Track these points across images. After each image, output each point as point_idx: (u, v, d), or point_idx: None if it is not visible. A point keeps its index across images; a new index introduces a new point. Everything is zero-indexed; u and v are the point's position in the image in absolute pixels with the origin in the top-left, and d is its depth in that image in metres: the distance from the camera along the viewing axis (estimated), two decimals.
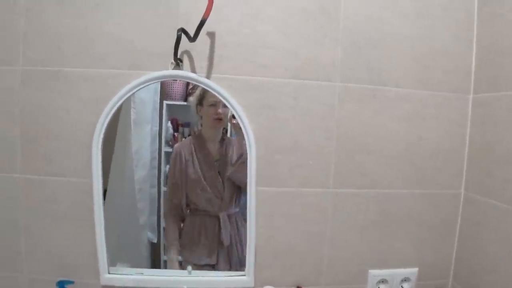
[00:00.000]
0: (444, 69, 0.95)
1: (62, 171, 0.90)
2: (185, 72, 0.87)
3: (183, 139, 1.03)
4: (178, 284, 0.88)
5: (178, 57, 0.85)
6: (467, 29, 0.96)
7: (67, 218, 0.92)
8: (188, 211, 1.00)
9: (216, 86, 0.86)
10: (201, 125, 1.01)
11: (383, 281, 0.98)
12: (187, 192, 0.99)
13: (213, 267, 0.99)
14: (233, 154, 0.98)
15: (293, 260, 0.95)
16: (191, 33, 0.81)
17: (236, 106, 0.87)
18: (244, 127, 0.88)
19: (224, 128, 1.01)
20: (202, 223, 0.99)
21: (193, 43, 0.83)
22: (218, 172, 0.98)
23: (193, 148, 0.99)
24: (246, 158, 0.92)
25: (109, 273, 0.91)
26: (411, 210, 0.98)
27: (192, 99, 0.97)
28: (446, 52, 0.95)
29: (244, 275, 0.92)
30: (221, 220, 0.97)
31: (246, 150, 0.92)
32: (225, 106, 0.93)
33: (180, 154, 0.98)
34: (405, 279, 0.99)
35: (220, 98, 0.87)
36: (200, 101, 0.96)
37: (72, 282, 0.90)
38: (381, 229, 0.97)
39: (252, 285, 0.93)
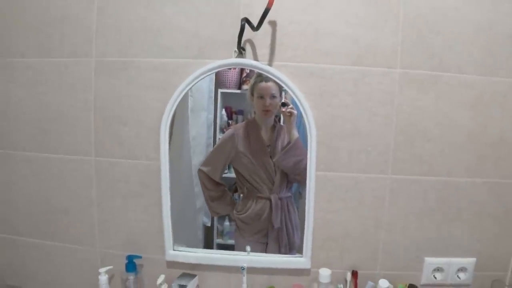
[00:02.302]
0: (510, 54, 0.92)
1: (132, 153, 0.98)
2: (248, 60, 0.90)
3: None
4: (239, 263, 0.93)
5: (241, 45, 0.89)
6: None
7: (136, 197, 0.99)
8: (242, 192, 1.05)
9: (278, 73, 0.89)
10: (255, 113, 1.04)
11: (438, 269, 0.97)
12: (242, 173, 1.03)
13: (265, 246, 1.03)
14: (283, 141, 1.01)
15: (350, 244, 0.97)
16: (254, 23, 0.84)
17: (297, 92, 0.89)
18: (305, 113, 0.90)
19: (276, 116, 1.04)
20: (255, 205, 1.03)
21: (255, 32, 0.87)
22: (270, 157, 1.02)
23: (247, 133, 1.02)
24: (291, 147, 0.96)
25: (173, 249, 0.98)
26: (472, 199, 0.96)
27: (247, 88, 1.01)
28: (511, 37, 0.92)
29: (302, 257, 0.95)
30: (273, 203, 1.01)
31: (292, 138, 0.96)
32: (273, 97, 0.97)
33: (233, 136, 1.02)
34: (462, 269, 0.98)
35: (282, 84, 0.90)
36: (252, 92, 1.00)
37: (140, 257, 0.98)
38: (439, 217, 0.96)
39: (309, 266, 0.96)
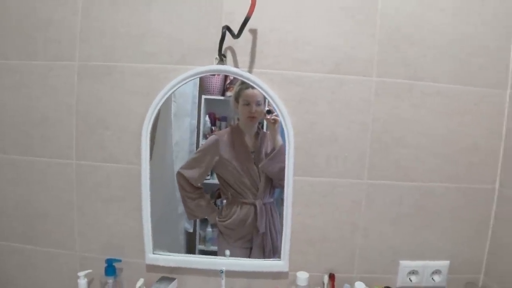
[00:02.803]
0: (481, 65, 0.96)
1: (113, 157, 0.98)
2: (228, 67, 0.92)
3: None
4: (218, 266, 0.93)
5: (222, 52, 0.91)
6: (506, 25, 0.96)
7: (116, 201, 1.00)
8: (227, 198, 1.05)
9: (258, 80, 0.91)
10: (239, 119, 1.06)
11: (413, 272, 1.00)
12: (227, 180, 1.04)
13: (249, 251, 1.04)
14: (267, 148, 1.02)
15: (327, 248, 0.99)
16: (235, 30, 0.86)
17: (276, 99, 0.92)
18: (284, 119, 0.92)
19: (259, 123, 1.05)
20: (240, 210, 1.04)
21: (236, 39, 0.89)
22: (254, 163, 1.03)
23: (231, 139, 1.04)
24: (276, 153, 0.97)
25: (153, 253, 0.98)
26: (445, 203, 0.99)
27: (231, 95, 1.02)
28: (483, 48, 0.96)
29: (280, 260, 0.97)
30: (258, 208, 1.02)
31: (277, 145, 0.97)
32: (258, 105, 0.99)
33: (217, 142, 1.03)
34: (436, 272, 1.01)
35: (261, 91, 0.92)
36: (237, 98, 1.01)
37: (119, 261, 0.98)
38: (414, 222, 0.99)
39: (287, 269, 0.98)
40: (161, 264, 0.98)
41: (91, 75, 0.96)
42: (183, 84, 0.93)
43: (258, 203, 1.02)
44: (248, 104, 1.00)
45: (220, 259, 0.98)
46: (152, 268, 0.99)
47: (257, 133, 1.05)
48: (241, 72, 0.92)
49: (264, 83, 0.91)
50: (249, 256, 1.03)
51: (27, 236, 1.03)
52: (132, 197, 0.98)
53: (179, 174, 1.03)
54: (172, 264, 0.98)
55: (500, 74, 0.97)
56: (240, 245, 1.05)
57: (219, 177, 1.05)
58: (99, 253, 1.01)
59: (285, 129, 0.92)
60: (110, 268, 0.96)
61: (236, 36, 0.87)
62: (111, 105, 0.97)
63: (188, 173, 1.03)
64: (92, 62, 0.96)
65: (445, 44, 0.95)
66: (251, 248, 1.04)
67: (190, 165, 1.04)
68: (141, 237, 0.98)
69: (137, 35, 0.94)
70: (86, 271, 0.94)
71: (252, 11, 0.83)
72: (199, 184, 1.05)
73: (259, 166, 1.02)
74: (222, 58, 0.92)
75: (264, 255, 1.03)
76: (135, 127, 0.96)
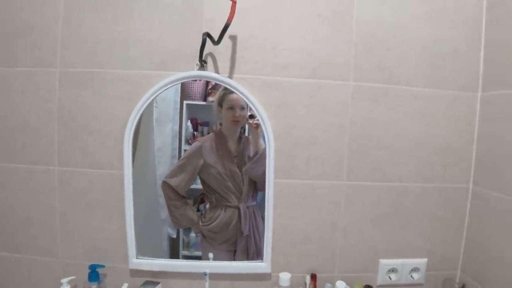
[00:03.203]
0: (453, 68, 1.00)
1: (96, 163, 0.98)
2: (209, 73, 0.94)
3: (206, 135, 1.08)
4: (201, 269, 0.94)
5: (203, 58, 0.93)
6: (476, 30, 1.00)
7: (99, 206, 1.00)
8: (211, 202, 1.06)
9: (238, 85, 0.93)
10: (221, 124, 1.07)
11: (393, 270, 1.03)
12: (211, 184, 1.05)
13: (233, 254, 1.05)
14: (249, 152, 1.04)
15: (308, 249, 1.01)
16: (215, 37, 0.88)
17: (256, 104, 0.94)
18: (264, 123, 0.94)
19: (242, 128, 1.07)
20: (224, 214, 1.05)
21: (216, 45, 0.91)
22: (237, 167, 1.05)
23: (214, 145, 1.05)
24: (260, 156, 0.99)
25: (137, 258, 0.99)
26: (422, 203, 1.02)
27: (214, 100, 1.04)
28: (455, 52, 1.00)
29: (262, 262, 0.98)
30: (241, 211, 1.04)
31: (260, 148, 0.99)
32: (242, 109, 1.00)
33: (200, 147, 1.04)
34: (415, 269, 1.04)
35: (241, 96, 0.94)
36: (220, 103, 1.02)
37: (103, 266, 0.98)
38: (392, 221, 1.02)
39: (269, 271, 0.99)
40: (145, 268, 0.99)
41: (73, 81, 0.97)
42: (165, 90, 0.94)
43: (241, 206, 1.04)
44: (232, 108, 1.01)
45: (203, 262, 1.00)
46: (136, 272, 1.00)
47: (240, 138, 1.06)
48: (222, 77, 0.93)
49: (244, 88, 0.94)
50: (233, 259, 1.05)
51: (10, 243, 1.02)
52: (115, 202, 0.98)
53: (164, 183, 1.03)
54: (156, 269, 0.99)
55: (472, 77, 1.01)
56: (225, 248, 1.06)
57: (203, 182, 1.06)
58: (82, 259, 1.01)
59: (265, 132, 0.95)
60: (94, 274, 0.96)
61: (216, 42, 0.89)
62: (93, 111, 0.97)
63: (173, 181, 1.03)
64: (74, 68, 0.97)
65: (419, 49, 0.99)
66: (235, 251, 1.06)
67: (174, 173, 1.04)
68: (124, 242, 0.98)
69: (119, 41, 0.95)
70: (70, 278, 0.94)
71: (232, 18, 0.85)
72: (184, 194, 1.05)
73: (243, 170, 1.03)
74: (203, 64, 0.94)
75: (248, 257, 1.04)
76: (117, 132, 0.97)
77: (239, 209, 1.04)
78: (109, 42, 0.96)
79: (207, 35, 0.88)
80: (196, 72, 0.94)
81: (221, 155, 1.04)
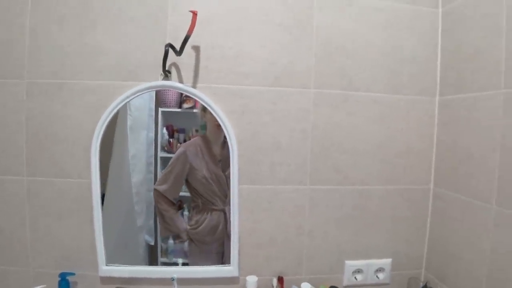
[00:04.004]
0: (412, 74, 1.04)
1: (64, 172, 1.00)
2: (172, 83, 0.97)
3: (189, 139, 1.08)
4: (170, 274, 0.96)
5: (167, 69, 0.95)
6: (432, 37, 1.05)
7: (68, 215, 1.01)
8: (197, 205, 1.08)
9: (201, 94, 0.96)
10: (197, 130, 1.08)
11: (358, 271, 1.06)
12: (196, 188, 1.06)
13: (221, 256, 1.07)
14: None
15: (275, 252, 1.04)
16: (179, 47, 0.91)
17: (218, 111, 0.96)
18: (227, 130, 0.97)
19: None
20: (211, 217, 1.07)
21: (179, 56, 0.93)
22: (222, 171, 1.06)
23: (199, 149, 1.07)
24: None
25: (106, 265, 1.00)
26: (385, 204, 1.06)
27: (189, 106, 1.05)
28: (413, 59, 1.04)
29: (230, 265, 1.00)
30: (227, 214, 1.05)
31: None
32: None
33: (185, 153, 1.05)
34: (380, 269, 1.07)
35: (205, 105, 0.96)
36: (204, 108, 1.02)
37: (73, 274, 0.99)
38: (356, 223, 1.05)
39: (237, 274, 1.01)
40: (115, 275, 1.00)
41: (41, 92, 0.98)
42: (130, 99, 0.97)
43: (227, 209, 1.05)
44: None
45: (171, 267, 1.01)
46: (106, 280, 1.01)
47: (224, 142, 1.06)
48: (185, 87, 0.96)
49: (208, 97, 0.96)
50: (222, 261, 1.06)
51: None
52: (85, 211, 0.99)
53: (155, 190, 1.05)
54: (126, 275, 1.00)
55: (429, 82, 1.06)
56: (212, 250, 1.07)
57: (188, 186, 1.07)
58: (53, 268, 1.01)
59: (228, 139, 0.97)
60: (64, 282, 0.97)
61: (178, 53, 0.92)
62: (62, 121, 0.99)
63: (162, 188, 1.05)
64: (42, 79, 0.98)
65: (377, 56, 1.03)
66: (223, 253, 1.07)
67: (163, 179, 1.05)
68: (94, 250, 0.99)
69: (86, 53, 0.97)
70: (40, 286, 0.95)
71: (192, 29, 0.88)
72: (175, 200, 1.07)
73: (226, 173, 1.05)
74: (166, 74, 0.96)
75: None
76: (85, 141, 0.98)
77: (224, 212, 1.06)
78: (76, 54, 0.97)
79: (170, 46, 0.91)
80: (160, 82, 0.96)
81: (206, 159, 1.06)
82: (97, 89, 0.98)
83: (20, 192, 1.00)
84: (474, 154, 0.92)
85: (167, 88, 0.98)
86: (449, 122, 1.03)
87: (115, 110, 0.96)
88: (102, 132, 0.97)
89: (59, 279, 0.97)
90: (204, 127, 1.07)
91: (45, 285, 0.97)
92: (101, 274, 1.00)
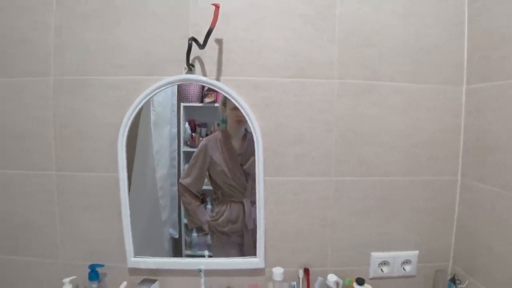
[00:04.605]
0: (436, 63, 1.02)
1: (92, 167, 1.02)
2: (197, 76, 0.97)
3: (211, 134, 1.08)
4: (197, 266, 0.98)
5: (190, 62, 0.96)
6: (458, 24, 1.02)
7: (96, 209, 1.03)
8: (217, 197, 1.09)
9: (225, 87, 0.96)
10: (218, 125, 1.08)
11: (385, 263, 1.05)
12: (216, 180, 1.08)
13: (241, 247, 1.08)
14: (253, 150, 1.05)
15: (301, 244, 1.04)
16: (201, 41, 0.91)
17: (243, 104, 0.97)
18: (251, 122, 0.97)
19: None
20: (230, 208, 1.08)
21: (202, 49, 0.93)
22: (241, 164, 1.07)
23: (219, 143, 1.08)
24: None
25: (134, 257, 1.02)
26: (409, 196, 1.04)
27: (210, 100, 1.05)
28: (438, 47, 1.02)
29: (256, 257, 1.01)
30: (245, 206, 1.07)
31: None
32: None
33: (206, 146, 1.07)
34: (406, 261, 1.06)
35: (229, 97, 0.97)
36: (224, 103, 1.04)
37: (102, 265, 1.02)
38: (381, 214, 1.04)
39: (263, 266, 1.02)
40: (142, 267, 1.02)
41: (66, 88, 1.00)
42: (154, 94, 0.98)
43: (245, 201, 1.06)
44: (235, 108, 1.02)
45: (198, 259, 1.03)
46: (134, 271, 1.03)
47: (245, 136, 1.07)
48: (209, 80, 0.96)
49: (231, 90, 0.96)
50: (242, 253, 1.07)
51: (10, 247, 1.06)
52: (111, 204, 1.02)
53: (179, 184, 1.07)
54: (153, 266, 1.02)
55: (455, 71, 1.03)
56: (233, 242, 1.09)
57: (210, 178, 1.08)
58: (82, 260, 1.04)
59: (253, 132, 0.97)
60: (94, 273, 1.00)
61: (202, 46, 0.92)
62: (87, 116, 1.01)
63: (185, 181, 1.07)
64: (66, 76, 1.00)
65: (400, 45, 1.01)
66: (243, 244, 1.08)
67: (186, 173, 1.07)
68: (122, 242, 1.02)
69: (108, 49, 0.99)
70: (71, 277, 0.98)
71: (215, 22, 0.88)
72: (198, 193, 1.08)
73: (244, 167, 1.06)
74: (190, 67, 0.97)
75: (255, 248, 1.05)
76: (110, 137, 1.00)
77: (243, 204, 1.07)
78: (100, 50, 0.99)
79: (193, 39, 0.92)
80: (184, 76, 0.97)
81: (225, 153, 1.07)
82: (121, 84, 0.99)
83: (49, 187, 1.03)
84: (503, 144, 0.89)
85: (191, 82, 0.99)
86: (476, 111, 1.00)
87: (140, 105, 0.97)
88: (128, 127, 0.98)
89: (89, 270, 1.00)
90: (224, 121, 1.07)
91: (75, 276, 0.99)
92: (130, 265, 1.02)
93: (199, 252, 1.11)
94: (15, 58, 1.01)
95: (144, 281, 1.01)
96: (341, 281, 0.99)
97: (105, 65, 0.99)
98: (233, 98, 0.97)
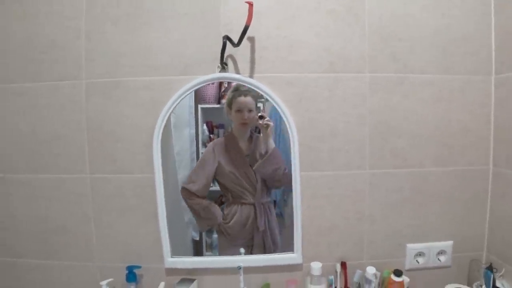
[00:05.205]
0: (465, 53, 1.03)
1: (125, 168, 1.02)
2: (230, 74, 0.98)
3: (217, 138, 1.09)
4: (235, 263, 0.98)
5: (224, 61, 0.97)
6: (485, 14, 1.03)
7: (131, 210, 1.04)
8: (227, 199, 1.08)
9: (259, 84, 0.97)
10: (232, 126, 1.08)
11: (420, 254, 1.06)
12: (225, 184, 1.07)
13: (250, 249, 1.07)
14: (261, 150, 1.06)
15: (337, 238, 1.04)
16: (233, 40, 0.92)
17: (278, 100, 0.97)
18: (286, 118, 0.98)
19: (256, 127, 1.06)
20: (241, 210, 1.08)
21: (235, 48, 0.94)
22: (250, 165, 1.07)
23: (226, 146, 1.07)
24: (269, 156, 1.02)
25: (171, 257, 1.02)
26: (443, 186, 1.05)
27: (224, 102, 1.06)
28: (466, 38, 1.02)
29: (293, 253, 1.02)
30: (256, 208, 1.07)
31: (270, 148, 1.02)
32: (250, 111, 1.03)
33: (213, 150, 1.06)
34: (441, 252, 1.06)
35: (263, 94, 0.97)
36: (229, 105, 1.04)
37: (139, 267, 1.02)
38: (415, 206, 1.05)
39: (301, 261, 1.02)
40: (180, 266, 1.02)
41: (98, 91, 1.01)
42: (189, 93, 0.98)
43: (256, 203, 1.06)
44: (240, 111, 1.03)
45: (236, 257, 1.03)
46: (171, 271, 1.04)
47: (251, 137, 1.07)
48: (243, 77, 0.97)
49: (265, 86, 0.97)
50: (251, 253, 1.06)
51: (45, 251, 1.07)
52: (146, 205, 1.02)
53: (183, 189, 1.06)
54: (190, 266, 1.02)
55: (484, 61, 1.04)
56: (242, 244, 1.08)
57: (219, 182, 1.08)
58: (118, 261, 1.04)
59: (288, 128, 0.98)
60: (131, 275, 1.00)
61: (236, 44, 0.93)
62: (119, 118, 1.02)
63: (192, 186, 1.06)
64: (98, 79, 1.01)
65: (430, 37, 1.02)
66: (252, 246, 1.08)
67: (192, 178, 1.06)
68: (158, 243, 1.02)
69: (139, 51, 1.00)
70: (108, 280, 0.98)
71: (250, 20, 0.89)
72: (204, 196, 1.07)
73: (253, 168, 1.06)
74: (224, 66, 0.97)
75: (264, 251, 1.06)
76: (144, 138, 1.01)
77: (254, 205, 1.07)
78: (131, 52, 1.00)
79: (227, 38, 0.92)
80: (218, 74, 0.97)
81: (233, 155, 1.07)
82: (153, 85, 1.00)
83: (83, 190, 1.04)
84: None
85: (225, 80, 0.99)
86: (506, 100, 1.01)
87: (175, 105, 0.98)
88: (163, 127, 0.99)
89: (127, 272, 1.00)
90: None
91: (112, 279, 1.00)
92: (167, 265, 1.03)
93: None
94: (47, 63, 1.01)
95: (182, 281, 1.01)
96: (379, 273, 1.00)
97: (136, 67, 1.00)
98: (267, 94, 0.97)
